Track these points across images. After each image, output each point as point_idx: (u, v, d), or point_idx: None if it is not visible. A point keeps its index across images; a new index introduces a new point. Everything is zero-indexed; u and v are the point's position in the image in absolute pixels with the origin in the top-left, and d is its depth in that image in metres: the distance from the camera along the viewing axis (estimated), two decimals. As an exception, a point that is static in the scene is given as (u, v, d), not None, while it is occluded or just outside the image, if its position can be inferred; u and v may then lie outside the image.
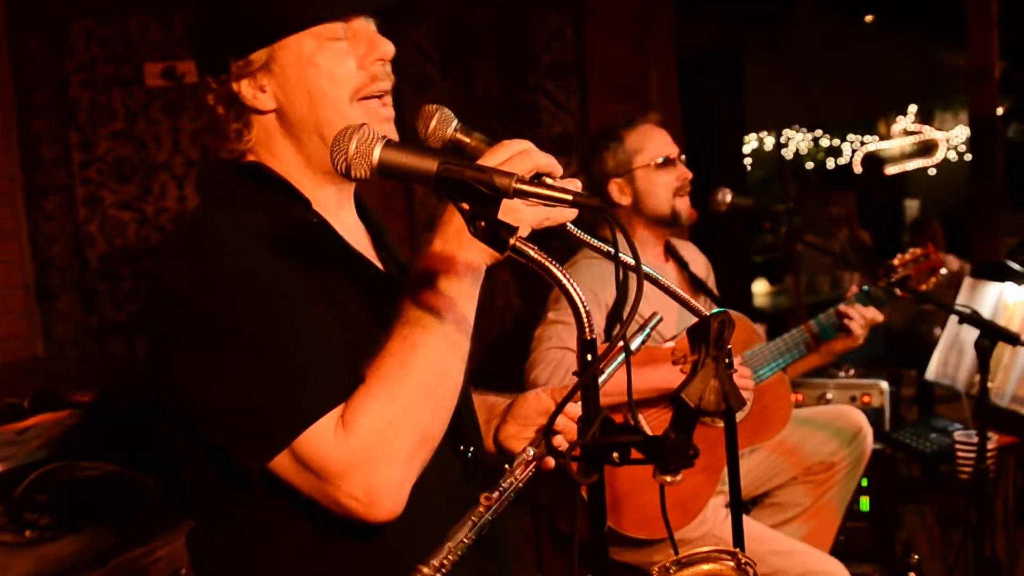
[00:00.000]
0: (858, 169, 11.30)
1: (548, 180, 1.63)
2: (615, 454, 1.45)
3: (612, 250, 1.56)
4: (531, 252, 1.51)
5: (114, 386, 4.68)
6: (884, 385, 4.42)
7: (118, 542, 3.63)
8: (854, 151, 12.15)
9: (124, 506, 3.82)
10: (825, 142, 12.38)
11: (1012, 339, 3.28)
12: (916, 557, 2.29)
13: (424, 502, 1.76)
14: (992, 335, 3.26)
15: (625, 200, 3.63)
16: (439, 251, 1.71)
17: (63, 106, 5.53)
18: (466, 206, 1.51)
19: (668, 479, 1.38)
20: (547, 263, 1.51)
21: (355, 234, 2.01)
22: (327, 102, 1.84)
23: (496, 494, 1.84)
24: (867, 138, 12.30)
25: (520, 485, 1.90)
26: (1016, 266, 3.98)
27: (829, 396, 4.43)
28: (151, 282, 1.88)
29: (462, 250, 1.71)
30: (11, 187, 5.44)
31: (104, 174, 5.62)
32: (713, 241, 3.87)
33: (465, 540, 1.73)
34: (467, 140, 1.82)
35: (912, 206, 10.47)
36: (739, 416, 3.48)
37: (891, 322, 3.93)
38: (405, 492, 1.67)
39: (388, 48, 1.90)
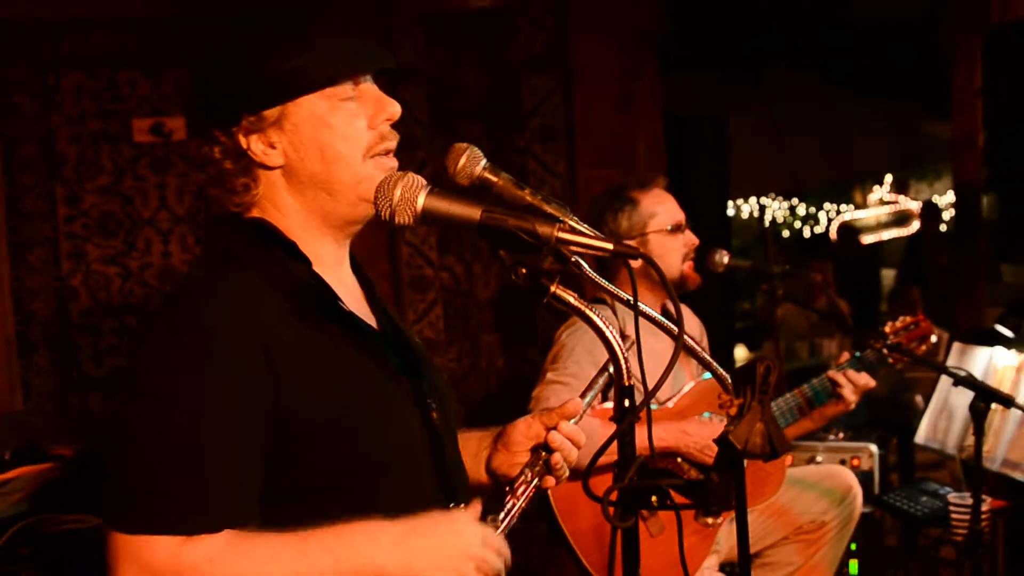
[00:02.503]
0: (834, 237, 11.42)
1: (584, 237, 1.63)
2: (653, 497, 1.45)
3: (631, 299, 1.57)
4: (571, 299, 1.53)
5: (97, 439, 4.64)
6: (873, 448, 4.44)
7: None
8: (830, 220, 12.28)
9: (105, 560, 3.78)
10: (801, 210, 12.52)
11: (1006, 401, 3.30)
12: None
13: None
14: (987, 397, 3.28)
15: (637, 263, 3.65)
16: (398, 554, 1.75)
17: (50, 160, 5.51)
18: (504, 253, 1.52)
19: (710, 521, 1.39)
20: (586, 310, 1.52)
21: (350, 290, 2.02)
22: (340, 161, 1.86)
23: (502, 515, 1.87)
24: (843, 207, 12.44)
25: (524, 504, 1.93)
26: (1005, 331, 4.02)
27: (819, 459, 4.44)
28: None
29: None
30: (-6, 240, 5.42)
31: (89, 229, 5.60)
32: (697, 308, 3.90)
33: None
34: (495, 179, 1.83)
35: (889, 275, 10.56)
36: (720, 519, 3.49)
37: (873, 390, 3.97)
38: None
39: (396, 109, 1.92)
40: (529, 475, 1.99)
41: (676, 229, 3.66)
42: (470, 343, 5.66)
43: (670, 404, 3.55)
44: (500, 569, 1.79)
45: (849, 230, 10.94)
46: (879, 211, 12.24)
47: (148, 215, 5.64)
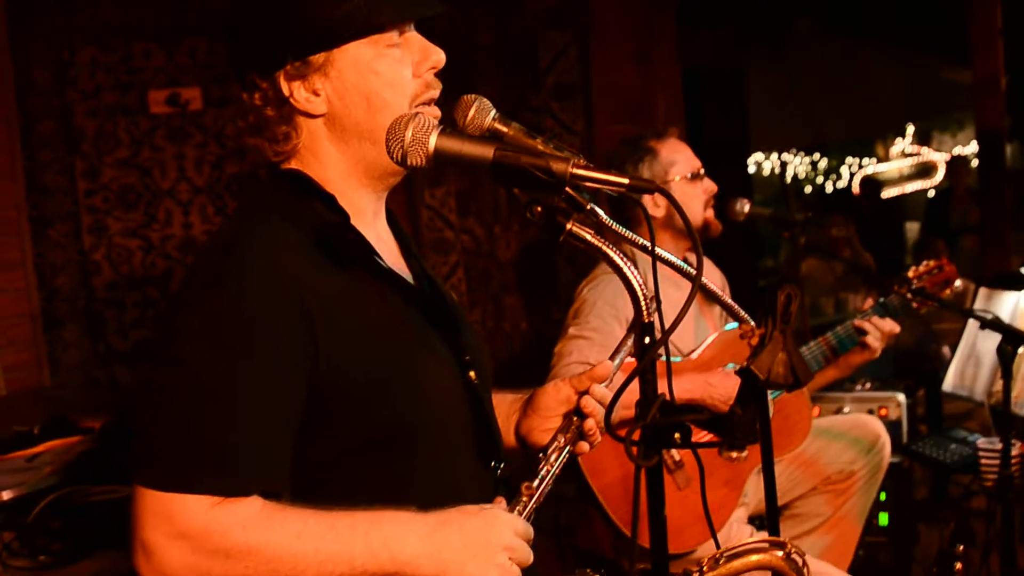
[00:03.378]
0: (857, 191, 11.33)
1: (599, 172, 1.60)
2: (677, 434, 1.44)
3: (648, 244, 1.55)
4: (588, 236, 1.51)
5: (125, 410, 4.66)
6: (901, 398, 4.41)
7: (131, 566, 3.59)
8: (852, 174, 12.19)
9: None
10: (823, 165, 12.43)
11: (1029, 342, 3.27)
12: (961, 547, 2.27)
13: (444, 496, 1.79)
14: (1015, 340, 3.25)
15: (659, 212, 3.62)
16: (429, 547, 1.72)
17: (68, 135, 5.52)
18: (518, 192, 1.50)
19: (735, 455, 1.37)
20: (604, 247, 1.50)
21: (387, 243, 1.99)
22: (386, 109, 1.82)
23: (536, 482, 1.86)
24: (865, 161, 12.35)
25: (558, 472, 1.91)
26: (1031, 274, 3.98)
27: (846, 409, 4.41)
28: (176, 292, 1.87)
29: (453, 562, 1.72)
30: (17, 217, 5.42)
31: (109, 202, 5.61)
32: (719, 263, 3.87)
33: None
34: (505, 129, 1.81)
35: (912, 228, 10.48)
36: (744, 453, 3.47)
37: (899, 341, 3.94)
38: None
39: (441, 56, 1.89)
40: (562, 441, 1.97)
41: (696, 176, 3.65)
42: (493, 304, 5.65)
43: (694, 356, 3.53)
44: (529, 557, 1.77)
45: (872, 183, 10.86)
46: (902, 163, 12.14)
47: (167, 187, 5.65)
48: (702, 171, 3.68)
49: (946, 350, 6.16)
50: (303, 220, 1.80)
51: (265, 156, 1.88)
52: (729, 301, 2.00)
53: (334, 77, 1.81)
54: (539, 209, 1.48)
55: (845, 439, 3.71)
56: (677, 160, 3.64)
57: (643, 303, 1.47)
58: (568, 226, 1.49)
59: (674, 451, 3.38)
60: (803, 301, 6.52)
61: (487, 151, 1.50)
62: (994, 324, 3.30)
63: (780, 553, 1.72)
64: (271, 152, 1.86)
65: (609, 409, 1.59)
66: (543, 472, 1.88)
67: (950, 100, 11.03)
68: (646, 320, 1.47)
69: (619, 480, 3.29)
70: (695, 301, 3.63)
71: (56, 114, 5.50)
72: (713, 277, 3.84)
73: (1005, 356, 3.26)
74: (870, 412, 4.34)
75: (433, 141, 1.51)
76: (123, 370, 5.63)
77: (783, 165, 11.67)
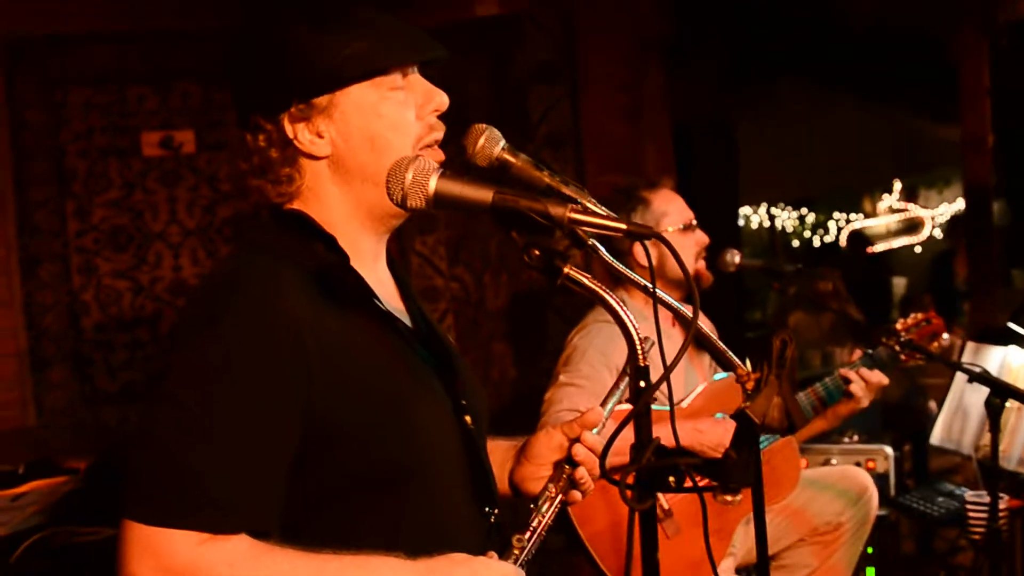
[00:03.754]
0: (844, 246, 11.40)
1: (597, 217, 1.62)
2: (671, 478, 1.44)
3: (649, 285, 1.56)
4: (584, 280, 1.52)
5: (110, 451, 4.64)
6: (888, 450, 4.42)
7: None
8: (839, 229, 12.27)
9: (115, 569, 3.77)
10: (810, 219, 12.52)
11: (1022, 397, 3.28)
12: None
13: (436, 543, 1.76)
14: (1003, 393, 3.26)
15: (644, 261, 3.64)
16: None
17: (60, 175, 5.54)
18: (516, 235, 1.51)
19: (729, 499, 1.38)
20: (600, 291, 1.51)
21: (386, 286, 1.99)
22: (390, 151, 1.81)
23: (528, 534, 1.84)
24: (852, 216, 12.43)
25: (549, 522, 1.90)
26: (1020, 329, 4.00)
27: (834, 461, 4.42)
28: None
29: None
30: (6, 256, 5.42)
31: (100, 243, 5.62)
32: (708, 317, 3.89)
33: None
34: (513, 160, 1.82)
35: (899, 284, 10.53)
36: (739, 497, 3.47)
37: (886, 395, 3.95)
38: None
39: (444, 99, 1.90)
40: (553, 491, 1.95)
41: (688, 228, 3.68)
42: (481, 352, 5.66)
43: (683, 404, 3.54)
44: None
45: (859, 238, 10.93)
46: (889, 219, 12.23)
47: (158, 229, 5.66)
48: (694, 222, 3.71)
49: (933, 404, 6.17)
50: (303, 260, 1.80)
51: (267, 198, 1.87)
52: (722, 346, 2.00)
53: (338, 119, 1.82)
54: (536, 252, 1.49)
55: (833, 491, 3.71)
56: (669, 211, 3.67)
57: (638, 347, 1.48)
58: (565, 270, 1.50)
59: (663, 500, 3.39)
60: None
61: (486, 194, 1.51)
62: (982, 377, 3.31)
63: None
64: (274, 194, 1.86)
65: (604, 452, 1.59)
66: (534, 524, 1.87)
67: (936, 157, 11.12)
68: (641, 364, 1.47)
69: (608, 528, 3.29)
70: (687, 352, 3.67)
71: (48, 154, 5.52)
72: (703, 326, 3.86)
73: (993, 409, 3.26)
74: (858, 464, 4.35)
75: (433, 184, 1.52)
76: (110, 411, 5.61)
77: (771, 217, 11.73)
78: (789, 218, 12.51)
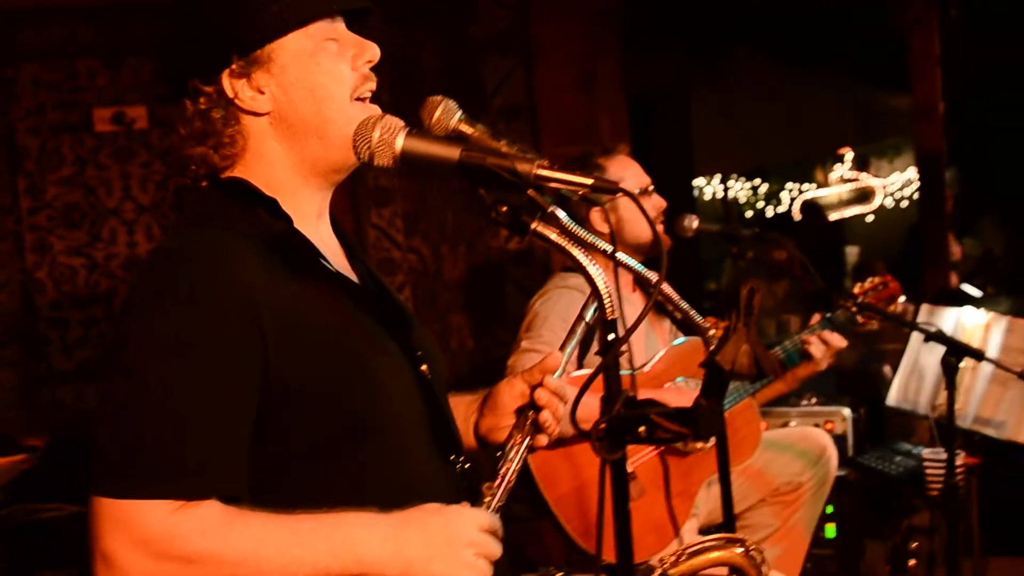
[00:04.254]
0: (797, 216, 11.46)
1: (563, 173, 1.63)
2: (642, 428, 1.46)
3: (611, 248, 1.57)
4: (552, 235, 1.53)
5: (69, 427, 4.62)
6: (847, 412, 4.48)
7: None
8: (792, 199, 12.33)
9: (84, 548, 3.76)
10: (763, 190, 12.58)
11: (977, 354, 3.34)
12: (916, 544, 2.31)
13: (406, 494, 1.78)
14: (958, 352, 3.32)
15: (605, 228, 3.65)
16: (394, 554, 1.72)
17: (11, 153, 5.47)
18: (483, 192, 1.52)
19: (699, 446, 1.40)
20: (568, 245, 1.52)
21: (331, 246, 2.00)
22: (332, 100, 1.84)
23: (498, 481, 1.86)
24: (805, 186, 12.48)
25: (518, 468, 1.92)
26: (972, 290, 4.06)
27: (793, 424, 4.47)
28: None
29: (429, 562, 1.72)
30: (-42, 235, 5.38)
31: (53, 220, 5.56)
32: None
33: None
34: (470, 131, 1.83)
35: (852, 252, 10.60)
36: (709, 444, 3.51)
37: (842, 360, 4.00)
38: None
39: (376, 50, 1.91)
40: (518, 437, 1.97)
41: (644, 192, 3.69)
42: (439, 324, 5.66)
43: (645, 369, 3.56)
44: (497, 550, 1.78)
45: (812, 208, 10.99)
46: (841, 188, 12.31)
47: (112, 205, 5.61)
48: (651, 187, 3.72)
49: (887, 369, 6.25)
50: (246, 226, 1.81)
51: (209, 165, 1.87)
52: (684, 305, 2.02)
53: (277, 73, 1.83)
54: (504, 209, 1.50)
55: (793, 451, 3.75)
56: (626, 176, 3.68)
57: (606, 300, 1.49)
58: (533, 225, 1.51)
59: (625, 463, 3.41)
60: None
61: (453, 152, 1.52)
62: (938, 337, 3.36)
63: (739, 550, 1.75)
64: (217, 158, 1.86)
65: (576, 401, 1.60)
66: (503, 471, 1.89)
67: (887, 127, 11.19)
68: (609, 317, 1.49)
69: (573, 491, 3.31)
70: (647, 317, 3.69)
71: (-2, 132, 5.47)
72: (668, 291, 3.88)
73: (949, 368, 3.32)
74: (816, 426, 4.40)
75: (400, 142, 1.53)
76: (65, 390, 5.57)
77: (725, 189, 11.78)
78: (742, 189, 12.56)
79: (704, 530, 3.70)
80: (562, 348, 2.09)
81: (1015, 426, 3.80)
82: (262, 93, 1.83)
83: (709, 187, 11.62)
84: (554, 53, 5.45)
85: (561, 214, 1.78)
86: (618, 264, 1.56)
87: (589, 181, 1.48)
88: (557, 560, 3.56)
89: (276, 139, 1.87)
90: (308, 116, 1.85)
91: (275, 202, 1.85)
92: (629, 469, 3.40)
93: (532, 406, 2.00)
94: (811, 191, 12.44)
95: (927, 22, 5.59)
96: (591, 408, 1.62)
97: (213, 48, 1.82)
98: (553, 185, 1.50)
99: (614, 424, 1.46)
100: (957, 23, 5.82)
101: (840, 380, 6.00)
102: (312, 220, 1.94)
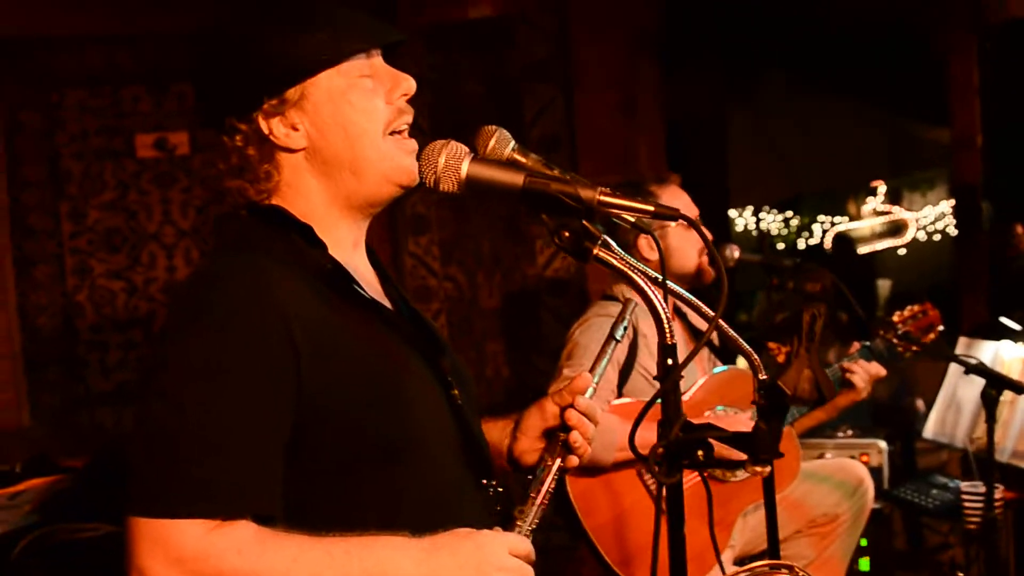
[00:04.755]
0: (829, 248, 11.46)
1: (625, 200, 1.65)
2: (700, 452, 1.48)
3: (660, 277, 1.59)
4: (613, 261, 1.56)
5: (107, 449, 4.65)
6: (882, 444, 4.46)
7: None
8: (824, 231, 12.34)
9: (121, 568, 3.79)
10: (795, 222, 12.59)
11: (1018, 387, 3.33)
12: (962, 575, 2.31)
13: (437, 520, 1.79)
14: (998, 384, 3.32)
15: (653, 255, 3.66)
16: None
17: (54, 177, 5.55)
18: (546, 218, 1.55)
19: (759, 470, 1.42)
20: (629, 271, 1.55)
21: (365, 274, 2.02)
22: (364, 137, 1.86)
23: (528, 505, 1.87)
24: (837, 219, 12.49)
25: (550, 490, 1.93)
26: (1011, 324, 4.06)
27: (828, 455, 4.46)
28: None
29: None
30: (1, 258, 5.44)
31: (94, 244, 5.63)
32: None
33: None
34: (524, 160, 1.85)
35: (884, 286, 10.58)
36: (767, 469, 3.51)
37: (875, 393, 4.00)
38: None
39: (411, 83, 1.92)
40: (549, 460, 1.98)
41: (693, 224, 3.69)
42: (475, 352, 5.68)
43: (685, 397, 3.57)
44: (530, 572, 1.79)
45: (844, 240, 10.99)
46: (873, 221, 12.31)
47: (153, 230, 5.68)
48: (699, 218, 3.73)
49: (920, 403, 6.23)
50: (282, 252, 1.83)
51: (246, 197, 1.89)
52: (735, 335, 2.04)
53: (310, 111, 1.85)
54: (567, 234, 1.53)
55: (830, 482, 3.74)
56: (677, 206, 3.69)
57: (666, 324, 1.51)
58: (595, 251, 1.54)
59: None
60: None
61: (517, 178, 1.55)
62: (978, 369, 3.36)
63: (786, 574, 1.76)
64: (253, 192, 1.88)
65: (635, 426, 1.62)
66: (534, 494, 1.90)
67: (920, 159, 11.19)
68: (669, 342, 1.51)
69: (611, 521, 3.32)
70: (684, 344, 3.70)
71: (43, 156, 5.53)
72: (702, 321, 3.90)
73: (989, 400, 3.32)
74: (852, 458, 4.39)
75: (466, 168, 1.56)
76: (105, 411, 5.62)
77: (758, 220, 11.80)
78: (774, 221, 12.57)
79: (739, 561, 3.69)
80: (592, 369, 2.10)
81: (1053, 460, 3.80)
82: (296, 130, 1.86)
83: (741, 219, 11.66)
84: (593, 79, 5.48)
85: (612, 243, 1.80)
86: (667, 292, 1.57)
87: (651, 208, 1.50)
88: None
89: (311, 173, 1.89)
90: (341, 152, 1.87)
91: (310, 228, 1.88)
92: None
93: (563, 427, 2.01)
94: (843, 223, 12.45)
95: (966, 51, 5.59)
96: (642, 435, 1.64)
97: (244, 88, 1.84)
98: (615, 212, 1.53)
99: (672, 448, 1.48)
100: (992, 54, 5.82)
101: (874, 413, 5.99)
102: (348, 249, 1.96)
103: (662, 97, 5.69)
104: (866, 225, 12.25)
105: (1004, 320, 4.15)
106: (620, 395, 3.45)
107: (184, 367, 1.69)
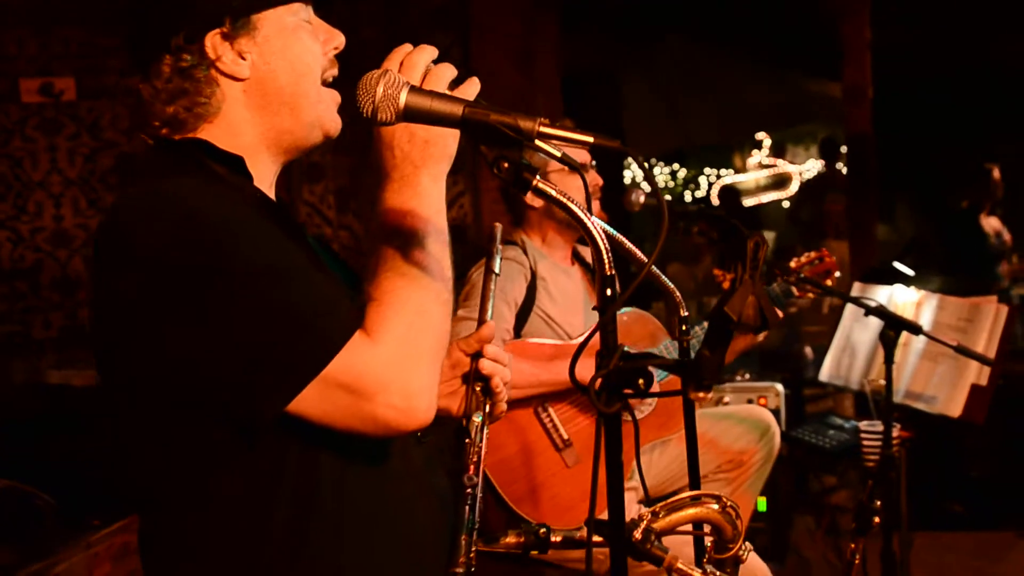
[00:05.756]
0: (716, 201, 11.61)
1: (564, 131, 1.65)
2: (641, 380, 1.49)
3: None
4: (551, 192, 1.55)
5: (2, 400, 4.55)
6: (780, 387, 4.56)
7: (13, 559, 3.52)
8: (711, 184, 12.50)
9: (20, 522, 3.72)
10: (682, 174, 12.73)
11: (915, 329, 3.42)
12: (880, 503, 2.38)
13: (388, 472, 1.82)
14: (897, 326, 3.39)
15: (538, 203, 3.67)
16: (398, 177, 1.75)
17: (-66, 122, 5.40)
18: (485, 149, 1.55)
19: (702, 395, 1.43)
20: (567, 202, 1.55)
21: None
22: (309, 75, 1.85)
23: (472, 469, 1.87)
24: (723, 171, 12.66)
25: (485, 447, 1.93)
26: (904, 268, 4.15)
27: (727, 400, 4.54)
28: (109, 256, 1.71)
29: (422, 169, 1.76)
30: None
31: (-23, 192, 5.49)
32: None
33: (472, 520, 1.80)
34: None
35: (769, 237, 10.76)
36: (645, 411, 3.58)
37: (766, 341, 4.08)
38: (435, 393, 1.70)
39: (342, 38, 1.93)
40: (478, 417, 1.97)
41: (584, 168, 3.71)
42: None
43: (583, 337, 3.59)
44: None
45: (730, 193, 11.15)
46: (758, 174, 12.51)
47: (39, 178, 5.53)
48: (590, 164, 3.75)
49: (808, 350, 6.39)
50: (214, 178, 1.80)
51: (177, 124, 1.83)
52: (665, 279, 2.06)
53: (260, 41, 1.82)
54: (506, 165, 1.52)
55: (744, 424, 3.80)
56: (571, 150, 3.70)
57: (605, 255, 1.52)
58: (534, 181, 1.53)
59: (563, 430, 3.44)
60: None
61: (456, 108, 1.53)
62: (877, 311, 3.43)
63: (715, 506, 1.79)
64: (188, 118, 1.82)
65: (574, 359, 1.63)
66: (474, 457, 1.91)
67: (806, 113, 11.40)
68: (608, 272, 1.52)
69: (507, 459, 3.34)
70: (585, 289, 3.73)
71: (-79, 101, 5.37)
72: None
73: (888, 341, 3.39)
74: (749, 402, 4.48)
75: (404, 98, 1.53)
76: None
77: (650, 166, 11.91)
78: (661, 173, 12.71)
79: (650, 501, 3.74)
80: (482, 308, 2.11)
81: (945, 401, 3.90)
82: (243, 59, 1.82)
83: (629, 171, 11.73)
84: (493, 30, 5.47)
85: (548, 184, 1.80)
86: (591, 228, 1.58)
87: (591, 139, 1.50)
88: (496, 528, 3.58)
89: (247, 106, 1.85)
90: (285, 87, 1.84)
91: (240, 160, 1.84)
92: (565, 436, 3.44)
93: (477, 376, 2.02)
94: (729, 176, 12.63)
95: (859, 7, 5.71)
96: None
97: (206, 7, 1.80)
98: (555, 142, 1.53)
99: (612, 378, 1.49)
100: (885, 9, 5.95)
101: (763, 359, 6.12)
102: (266, 188, 1.92)
103: (560, 50, 5.70)
104: (751, 178, 12.45)
105: (897, 265, 4.24)
106: (518, 336, 3.48)
107: (230, 257, 1.63)
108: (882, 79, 5.85)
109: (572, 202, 1.57)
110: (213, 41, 1.80)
